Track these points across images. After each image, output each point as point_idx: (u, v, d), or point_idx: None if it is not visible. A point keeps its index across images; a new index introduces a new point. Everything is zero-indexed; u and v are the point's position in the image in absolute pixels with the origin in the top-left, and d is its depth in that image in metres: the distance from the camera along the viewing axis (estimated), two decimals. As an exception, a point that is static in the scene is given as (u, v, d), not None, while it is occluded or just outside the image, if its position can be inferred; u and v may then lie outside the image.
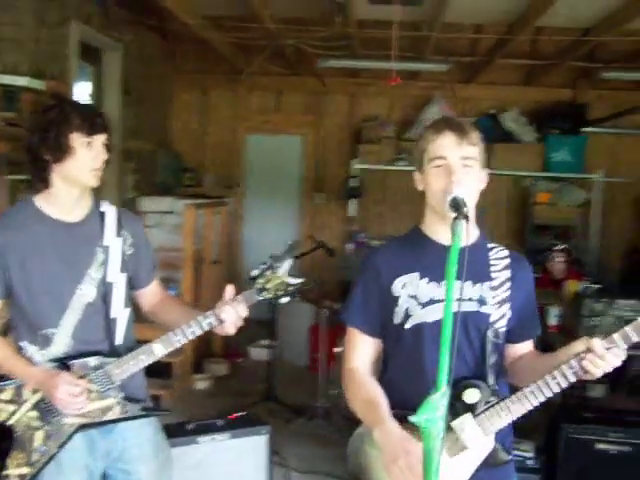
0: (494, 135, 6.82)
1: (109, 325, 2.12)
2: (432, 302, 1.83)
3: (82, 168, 2.03)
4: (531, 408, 1.75)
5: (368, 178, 7.14)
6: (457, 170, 1.78)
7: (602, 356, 1.66)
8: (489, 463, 1.79)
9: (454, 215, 1.62)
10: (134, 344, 2.17)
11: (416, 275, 1.86)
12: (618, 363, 1.68)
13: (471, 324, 1.83)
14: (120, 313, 2.15)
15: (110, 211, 2.19)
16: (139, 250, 2.22)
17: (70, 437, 2.06)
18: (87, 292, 2.08)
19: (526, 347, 1.97)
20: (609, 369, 1.68)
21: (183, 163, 7.38)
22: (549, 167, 6.88)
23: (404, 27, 5.24)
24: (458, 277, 1.53)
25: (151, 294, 2.30)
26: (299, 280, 2.04)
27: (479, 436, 1.75)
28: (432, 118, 6.83)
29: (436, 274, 1.83)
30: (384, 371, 1.97)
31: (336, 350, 4.53)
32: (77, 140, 2.01)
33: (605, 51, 5.93)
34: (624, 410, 3.92)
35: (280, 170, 7.57)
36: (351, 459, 1.93)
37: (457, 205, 1.65)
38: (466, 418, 1.76)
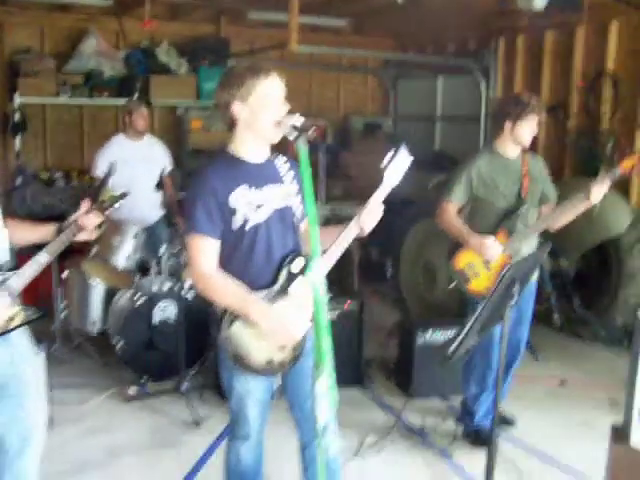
0: (149, 68, 7.32)
1: None
2: (260, 206, 2.42)
3: None
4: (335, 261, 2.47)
5: (28, 112, 7.12)
6: (284, 104, 2.38)
7: (374, 213, 2.44)
8: None
9: (295, 136, 2.19)
10: (15, 259, 2.44)
11: (246, 186, 2.39)
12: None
13: (287, 214, 2.48)
14: (0, 234, 2.42)
15: None
16: None
17: None
18: None
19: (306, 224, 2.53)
20: (377, 220, 2.46)
21: None
22: (202, 96, 7.56)
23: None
24: (271, 183, 2.40)
25: None
26: (121, 192, 2.84)
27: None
28: (90, 51, 7.07)
29: (257, 184, 2.41)
30: (222, 269, 2.40)
31: (65, 275, 4.92)
32: None
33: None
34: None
35: None
36: (229, 353, 2.36)
37: (302, 129, 2.22)
38: (301, 281, 2.45)
